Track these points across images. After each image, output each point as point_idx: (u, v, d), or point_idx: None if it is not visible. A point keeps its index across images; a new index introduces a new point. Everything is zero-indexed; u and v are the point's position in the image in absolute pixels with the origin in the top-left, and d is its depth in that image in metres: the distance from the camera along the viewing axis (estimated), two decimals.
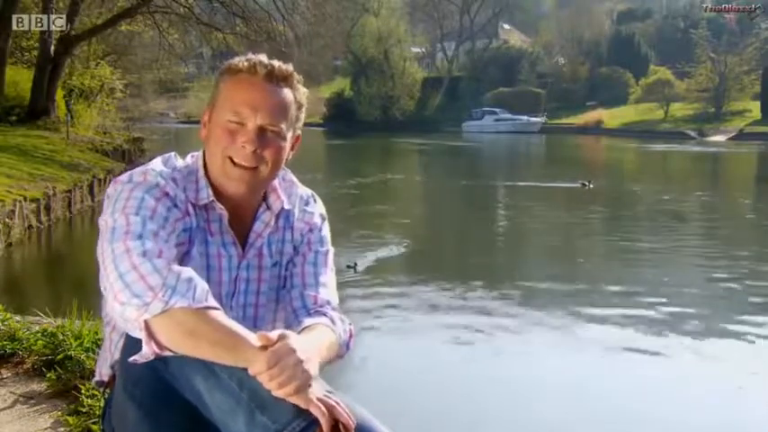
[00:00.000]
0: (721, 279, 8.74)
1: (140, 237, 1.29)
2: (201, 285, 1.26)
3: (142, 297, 1.23)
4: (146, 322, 1.23)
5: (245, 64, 1.40)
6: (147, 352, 1.23)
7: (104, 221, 1.35)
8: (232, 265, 1.46)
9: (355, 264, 8.35)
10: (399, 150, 34.70)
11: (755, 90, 42.12)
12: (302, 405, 1.16)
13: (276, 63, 1.42)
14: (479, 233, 12.54)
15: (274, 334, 1.20)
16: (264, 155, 1.39)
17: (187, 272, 1.27)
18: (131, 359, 1.25)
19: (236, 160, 1.39)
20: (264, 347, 1.18)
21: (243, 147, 1.38)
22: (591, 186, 17.33)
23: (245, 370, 1.18)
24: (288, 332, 1.22)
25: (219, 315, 1.24)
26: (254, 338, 1.20)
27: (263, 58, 1.42)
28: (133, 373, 1.30)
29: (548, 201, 16.48)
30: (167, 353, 1.24)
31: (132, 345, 1.27)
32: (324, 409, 1.17)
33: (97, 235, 1.37)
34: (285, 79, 1.42)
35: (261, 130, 1.39)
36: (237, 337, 1.20)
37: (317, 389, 1.20)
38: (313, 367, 1.20)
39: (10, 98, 16.99)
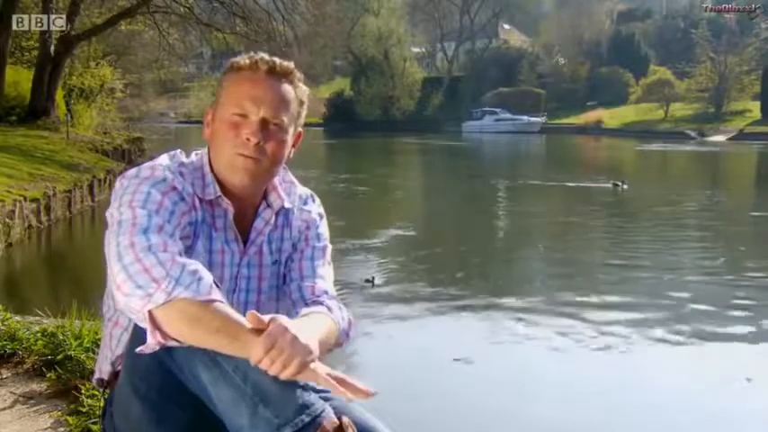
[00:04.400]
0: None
1: (146, 231, 1.30)
2: (207, 278, 1.26)
3: (145, 288, 1.24)
4: (150, 313, 1.23)
5: (247, 61, 1.44)
6: (152, 342, 1.24)
7: (111, 215, 1.36)
8: (233, 262, 1.48)
9: (373, 278, 8.01)
10: (400, 150, 34.70)
11: (755, 90, 42.12)
12: (310, 381, 1.17)
13: (277, 60, 1.45)
14: (503, 233, 12.53)
15: (266, 317, 1.19)
16: (267, 147, 1.42)
17: (193, 264, 1.28)
18: (138, 349, 1.26)
19: (240, 152, 1.41)
20: (257, 331, 1.17)
21: (247, 139, 1.40)
22: (625, 187, 16.91)
23: (249, 362, 1.18)
24: (279, 315, 1.21)
25: (222, 306, 1.24)
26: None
27: (265, 55, 1.45)
28: (139, 367, 1.30)
29: (582, 201, 16.15)
30: (172, 343, 1.24)
31: (139, 336, 1.28)
32: (333, 381, 1.16)
33: (103, 231, 1.37)
34: (286, 75, 1.45)
35: (264, 123, 1.41)
36: (238, 327, 1.20)
37: (324, 367, 1.19)
38: (312, 342, 1.19)
39: (10, 98, 16.98)
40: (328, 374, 1.17)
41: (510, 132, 42.89)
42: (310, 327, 1.26)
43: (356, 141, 38.34)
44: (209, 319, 1.21)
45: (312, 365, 1.17)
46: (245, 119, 1.41)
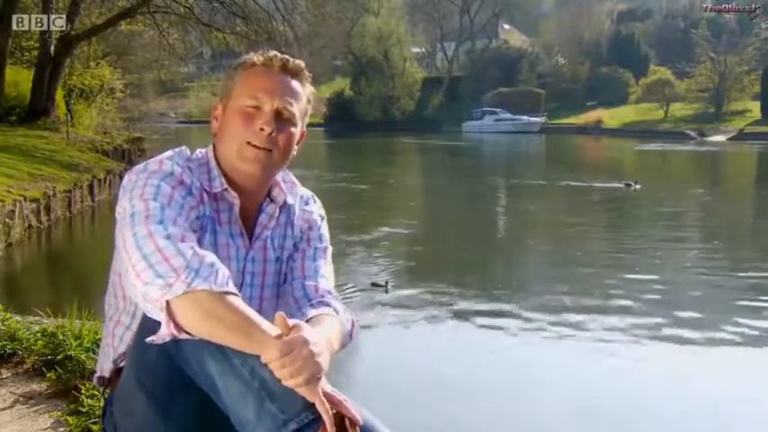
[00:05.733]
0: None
1: (161, 222, 1.31)
2: (223, 271, 1.28)
3: (165, 278, 1.24)
4: (167, 303, 1.24)
5: (261, 58, 1.48)
6: (165, 333, 1.24)
7: (122, 208, 1.37)
8: (239, 256, 1.49)
9: (386, 282, 7.62)
10: (400, 150, 34.73)
11: (755, 90, 42.10)
12: (308, 398, 1.18)
13: (290, 58, 1.49)
14: (513, 233, 12.45)
15: (291, 322, 1.22)
16: (279, 139, 1.45)
17: (210, 256, 1.29)
18: (149, 339, 1.26)
19: (252, 143, 1.43)
20: (279, 336, 1.20)
21: (261, 129, 1.43)
22: (637, 187, 16.69)
23: (258, 357, 1.19)
24: (302, 323, 1.24)
25: (238, 301, 1.25)
26: (269, 326, 1.22)
27: (278, 53, 1.49)
28: (146, 361, 1.30)
29: (597, 201, 16.02)
30: (184, 335, 1.24)
31: (148, 328, 1.28)
32: (327, 405, 1.18)
33: (107, 230, 1.37)
34: (297, 73, 1.50)
35: (277, 114, 1.45)
36: (253, 324, 1.22)
37: (326, 384, 1.21)
38: (324, 361, 1.21)
39: (10, 98, 16.97)
40: (327, 395, 1.19)
41: (510, 132, 42.88)
42: (326, 340, 1.27)
43: (356, 141, 38.37)
44: (224, 314, 1.23)
45: (317, 384, 1.19)
46: (259, 110, 1.44)
